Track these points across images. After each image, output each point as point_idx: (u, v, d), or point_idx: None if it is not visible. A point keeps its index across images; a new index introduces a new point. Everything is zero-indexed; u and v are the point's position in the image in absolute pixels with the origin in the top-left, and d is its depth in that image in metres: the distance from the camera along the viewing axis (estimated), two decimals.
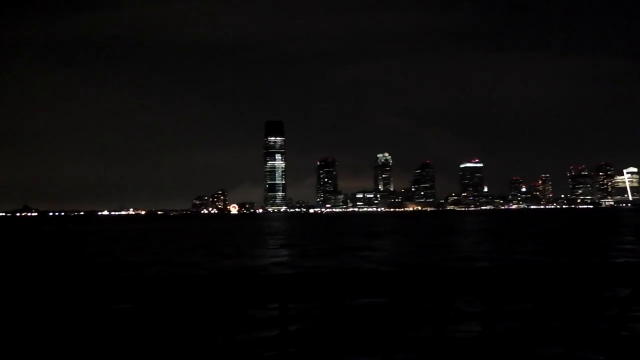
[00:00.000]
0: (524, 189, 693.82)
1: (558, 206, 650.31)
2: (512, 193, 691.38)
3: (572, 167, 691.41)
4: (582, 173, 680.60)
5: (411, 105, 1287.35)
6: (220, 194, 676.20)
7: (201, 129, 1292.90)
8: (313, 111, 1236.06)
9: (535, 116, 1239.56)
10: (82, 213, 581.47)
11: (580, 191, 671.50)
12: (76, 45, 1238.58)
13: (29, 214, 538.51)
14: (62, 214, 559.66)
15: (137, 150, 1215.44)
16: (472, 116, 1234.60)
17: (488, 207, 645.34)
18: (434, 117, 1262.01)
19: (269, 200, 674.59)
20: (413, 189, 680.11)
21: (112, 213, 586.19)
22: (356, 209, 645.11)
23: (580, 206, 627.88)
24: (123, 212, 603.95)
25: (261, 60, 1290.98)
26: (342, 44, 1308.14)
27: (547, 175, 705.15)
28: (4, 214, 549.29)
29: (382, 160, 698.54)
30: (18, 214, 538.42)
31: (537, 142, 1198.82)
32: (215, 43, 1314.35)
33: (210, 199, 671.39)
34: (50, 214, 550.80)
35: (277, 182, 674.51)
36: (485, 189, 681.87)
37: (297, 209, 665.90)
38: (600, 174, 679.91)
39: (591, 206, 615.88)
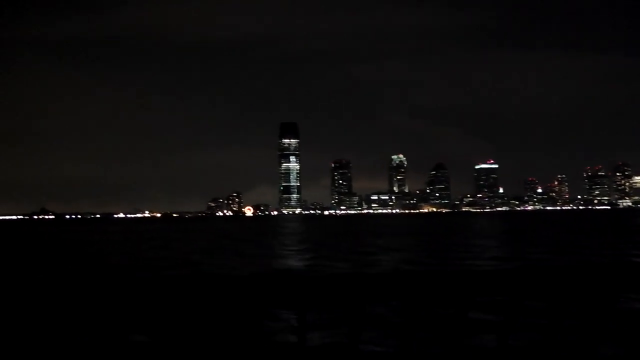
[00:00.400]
0: (539, 190, 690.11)
1: (574, 207, 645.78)
2: (528, 194, 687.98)
3: (588, 167, 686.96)
4: (599, 173, 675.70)
5: (425, 106, 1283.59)
6: (235, 196, 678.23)
7: (214, 130, 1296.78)
8: (325, 112, 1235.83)
9: (551, 116, 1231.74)
10: (98, 215, 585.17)
11: (597, 192, 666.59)
12: (77, 45, 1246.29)
13: (46, 217, 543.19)
14: (79, 216, 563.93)
15: (151, 152, 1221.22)
16: (487, 116, 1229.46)
17: (504, 209, 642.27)
18: (448, 118, 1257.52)
19: (283, 202, 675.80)
20: (428, 190, 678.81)
21: (128, 215, 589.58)
22: (371, 211, 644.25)
23: (597, 207, 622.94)
24: (139, 215, 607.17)
25: (270, 60, 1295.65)
26: (349, 44, 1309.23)
27: (564, 175, 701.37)
28: (21, 216, 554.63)
29: (397, 162, 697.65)
30: (35, 217, 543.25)
31: (553, 142, 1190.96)
32: (223, 42, 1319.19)
33: (225, 201, 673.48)
34: (67, 216, 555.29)
35: (291, 184, 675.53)
36: (501, 190, 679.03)
37: (311, 211, 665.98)
38: (618, 174, 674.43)
39: (608, 207, 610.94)
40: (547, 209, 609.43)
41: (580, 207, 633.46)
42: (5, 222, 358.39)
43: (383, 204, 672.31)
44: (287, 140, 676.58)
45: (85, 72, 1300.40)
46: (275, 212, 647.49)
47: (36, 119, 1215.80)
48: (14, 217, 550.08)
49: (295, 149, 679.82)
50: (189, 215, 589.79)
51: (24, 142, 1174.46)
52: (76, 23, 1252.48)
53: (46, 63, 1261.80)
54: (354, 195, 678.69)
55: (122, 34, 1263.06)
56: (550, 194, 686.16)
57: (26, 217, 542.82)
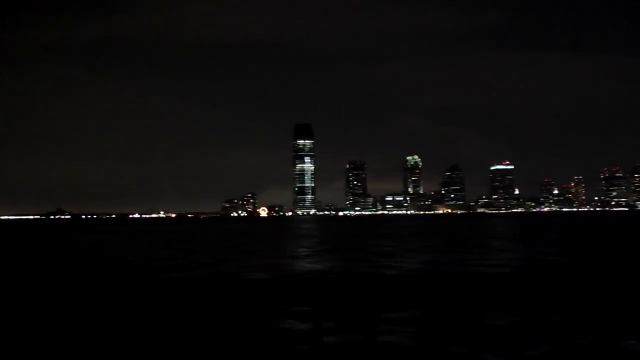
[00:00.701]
0: (556, 191, 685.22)
1: (591, 208, 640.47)
2: (544, 195, 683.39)
3: (605, 168, 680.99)
4: (617, 175, 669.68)
5: (440, 107, 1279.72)
6: (249, 196, 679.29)
7: (228, 130, 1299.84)
8: (333, 112, 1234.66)
9: (568, 116, 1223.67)
10: (113, 216, 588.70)
11: (614, 193, 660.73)
12: (97, 47, 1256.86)
13: (62, 217, 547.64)
14: (95, 216, 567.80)
15: (167, 153, 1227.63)
16: (502, 117, 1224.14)
17: (519, 210, 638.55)
18: (463, 119, 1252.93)
19: (298, 203, 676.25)
20: (443, 192, 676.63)
21: (143, 216, 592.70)
22: (385, 212, 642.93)
23: (614, 209, 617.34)
24: (154, 215, 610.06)
25: (271, 60, 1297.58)
26: (350, 45, 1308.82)
27: (580, 177, 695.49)
28: (38, 216, 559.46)
29: (412, 163, 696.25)
30: (52, 217, 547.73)
31: (569, 143, 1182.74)
32: (225, 42, 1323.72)
33: (240, 202, 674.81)
34: (83, 216, 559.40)
35: (306, 185, 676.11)
36: (516, 192, 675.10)
37: (325, 212, 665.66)
38: (636, 175, 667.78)
39: (626, 208, 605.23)
40: (563, 211, 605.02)
41: (597, 209, 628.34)
42: (22, 221, 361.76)
43: (397, 205, 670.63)
44: (301, 141, 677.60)
45: (105, 73, 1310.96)
46: (290, 213, 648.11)
47: (40, 119, 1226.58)
48: (31, 217, 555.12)
49: (310, 150, 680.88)
50: (204, 215, 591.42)
51: (35, 143, 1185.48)
52: (79, 25, 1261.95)
53: (47, 64, 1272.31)
54: (369, 196, 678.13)
55: (123, 34, 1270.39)
56: (567, 195, 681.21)
57: (43, 217, 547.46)
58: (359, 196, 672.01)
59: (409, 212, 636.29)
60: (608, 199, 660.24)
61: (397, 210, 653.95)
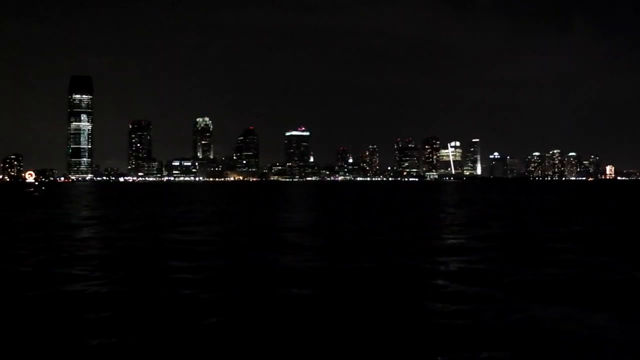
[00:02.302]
0: (350, 160, 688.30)
1: (385, 178, 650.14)
2: (339, 164, 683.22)
3: (399, 139, 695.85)
4: (409, 146, 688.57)
5: None
6: (13, 159, 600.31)
7: None
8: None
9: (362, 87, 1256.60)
10: None
11: (406, 164, 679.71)
12: None
13: None
14: None
15: None
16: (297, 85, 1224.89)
17: (314, 178, 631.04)
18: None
19: (72, 167, 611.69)
20: (235, 157, 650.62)
21: None
22: (172, 178, 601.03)
23: (406, 179, 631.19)
24: None
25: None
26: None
27: (375, 146, 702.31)
28: None
29: (202, 125, 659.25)
30: None
31: (363, 112, 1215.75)
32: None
33: (1, 165, 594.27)
34: None
35: (82, 146, 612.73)
36: (312, 159, 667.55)
37: (104, 177, 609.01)
38: (427, 147, 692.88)
39: (417, 179, 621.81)
40: (357, 180, 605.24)
41: (390, 179, 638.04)
42: None
43: (186, 171, 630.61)
44: (78, 97, 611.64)
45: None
46: (63, 179, 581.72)
47: None
48: None
49: (88, 106, 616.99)
50: None
51: None
52: None
53: None
54: (154, 160, 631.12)
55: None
56: (362, 164, 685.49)
57: None
58: (143, 160, 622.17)
59: (198, 179, 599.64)
60: (401, 169, 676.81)
61: (186, 177, 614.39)
